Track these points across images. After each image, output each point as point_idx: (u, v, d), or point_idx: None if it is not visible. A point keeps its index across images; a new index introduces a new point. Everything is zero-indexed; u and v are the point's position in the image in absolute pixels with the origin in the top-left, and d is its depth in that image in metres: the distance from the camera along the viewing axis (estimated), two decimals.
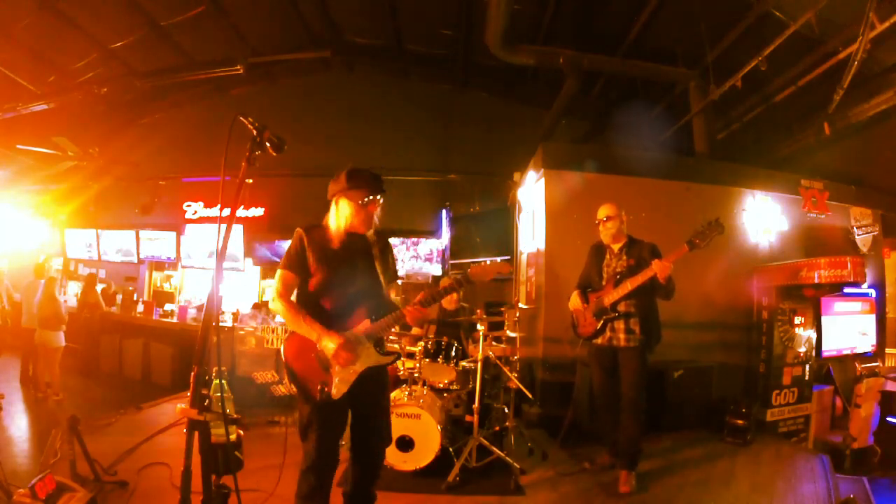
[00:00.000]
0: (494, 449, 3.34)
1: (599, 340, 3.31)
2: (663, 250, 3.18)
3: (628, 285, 3.11)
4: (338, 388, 2.10)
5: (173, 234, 8.87)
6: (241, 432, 2.18)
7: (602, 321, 3.27)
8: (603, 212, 3.38)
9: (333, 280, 2.19)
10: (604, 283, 3.34)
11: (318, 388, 2.08)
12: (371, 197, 2.20)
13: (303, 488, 2.11)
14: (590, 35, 6.28)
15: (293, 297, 2.22)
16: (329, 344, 2.06)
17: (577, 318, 3.47)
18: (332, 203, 2.26)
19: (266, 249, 8.69)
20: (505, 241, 6.97)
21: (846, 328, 5.07)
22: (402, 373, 3.77)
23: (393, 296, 2.41)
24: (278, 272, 2.22)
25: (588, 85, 6.61)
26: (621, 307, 3.22)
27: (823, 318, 4.87)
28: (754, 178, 5.38)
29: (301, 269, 2.20)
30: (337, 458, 2.18)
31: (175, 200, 8.93)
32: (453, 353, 3.82)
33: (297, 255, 2.21)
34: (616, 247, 3.38)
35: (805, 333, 4.91)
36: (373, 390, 2.24)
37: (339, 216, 2.22)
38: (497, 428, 3.81)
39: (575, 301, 3.43)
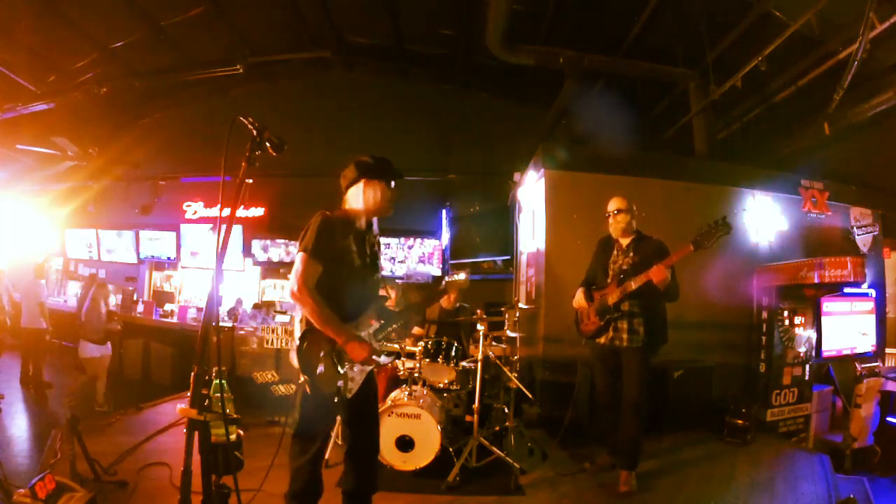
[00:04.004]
0: (494, 449, 3.34)
1: (602, 339, 3.26)
2: None
3: (632, 285, 3.04)
4: (352, 388, 2.14)
5: (173, 234, 8.87)
6: (241, 432, 2.17)
7: (605, 320, 3.21)
8: (614, 204, 3.29)
9: (355, 276, 2.16)
10: (608, 280, 3.26)
11: (338, 388, 2.09)
12: (394, 181, 2.25)
13: (297, 484, 2.11)
14: (590, 35, 6.28)
15: None
16: (358, 348, 2.04)
17: (580, 316, 3.40)
18: (356, 186, 2.22)
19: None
20: (505, 241, 6.97)
21: (846, 328, 5.06)
22: (402, 373, 3.77)
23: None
24: (303, 257, 2.05)
25: (588, 85, 6.61)
26: (625, 306, 3.14)
27: (823, 318, 4.87)
28: (754, 178, 5.37)
29: (327, 259, 2.08)
30: None
31: (175, 200, 8.92)
32: (453, 353, 3.82)
33: (328, 243, 2.08)
34: (624, 242, 3.29)
35: (805, 333, 4.91)
36: (372, 387, 2.30)
37: (368, 199, 2.20)
38: (497, 428, 3.81)
39: (579, 299, 3.35)
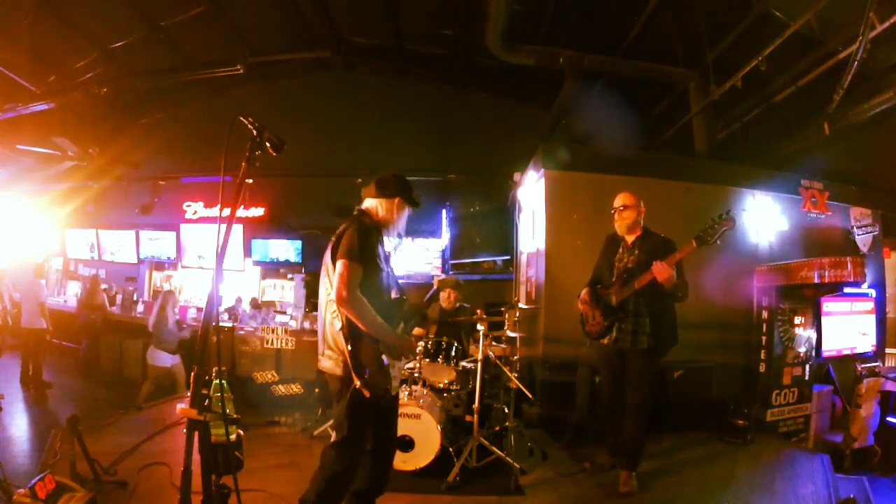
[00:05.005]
0: (494, 449, 3.35)
1: (606, 340, 3.20)
2: None
3: (635, 285, 2.99)
4: (395, 385, 2.24)
5: (173, 234, 8.87)
6: (241, 432, 2.17)
7: (610, 321, 3.15)
8: (619, 200, 3.23)
9: (383, 279, 2.24)
10: (613, 279, 3.19)
11: (387, 386, 2.16)
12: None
13: (318, 492, 2.14)
14: (590, 35, 6.28)
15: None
16: (406, 345, 2.23)
17: (585, 316, 3.33)
18: (391, 200, 2.32)
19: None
20: (505, 241, 6.97)
21: (846, 328, 5.06)
22: (402, 373, 3.77)
23: None
24: (347, 264, 2.07)
25: (588, 85, 6.62)
26: (630, 307, 3.07)
27: (823, 318, 4.86)
28: (754, 178, 5.36)
29: (368, 265, 2.13)
30: None
31: (175, 200, 8.93)
32: (453, 353, 3.82)
33: (372, 249, 2.16)
34: (630, 239, 3.22)
35: (805, 333, 4.90)
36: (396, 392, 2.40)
37: (398, 215, 2.34)
38: (497, 428, 3.81)
39: (584, 298, 3.28)
